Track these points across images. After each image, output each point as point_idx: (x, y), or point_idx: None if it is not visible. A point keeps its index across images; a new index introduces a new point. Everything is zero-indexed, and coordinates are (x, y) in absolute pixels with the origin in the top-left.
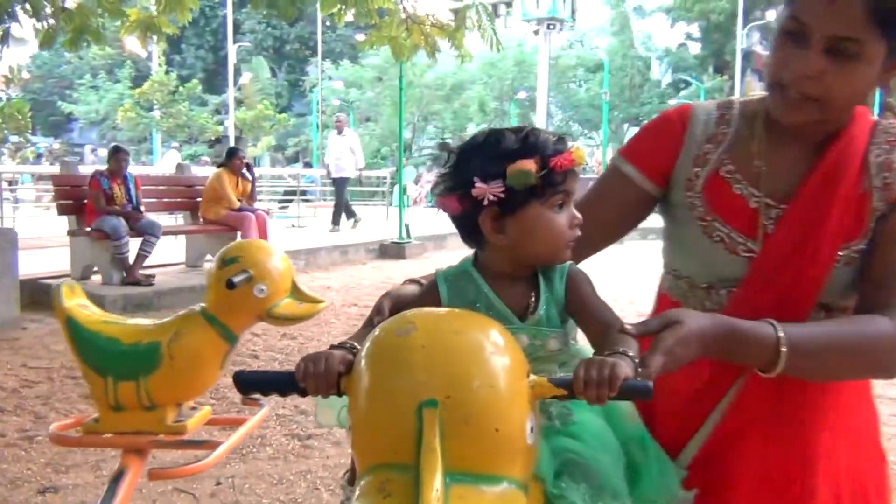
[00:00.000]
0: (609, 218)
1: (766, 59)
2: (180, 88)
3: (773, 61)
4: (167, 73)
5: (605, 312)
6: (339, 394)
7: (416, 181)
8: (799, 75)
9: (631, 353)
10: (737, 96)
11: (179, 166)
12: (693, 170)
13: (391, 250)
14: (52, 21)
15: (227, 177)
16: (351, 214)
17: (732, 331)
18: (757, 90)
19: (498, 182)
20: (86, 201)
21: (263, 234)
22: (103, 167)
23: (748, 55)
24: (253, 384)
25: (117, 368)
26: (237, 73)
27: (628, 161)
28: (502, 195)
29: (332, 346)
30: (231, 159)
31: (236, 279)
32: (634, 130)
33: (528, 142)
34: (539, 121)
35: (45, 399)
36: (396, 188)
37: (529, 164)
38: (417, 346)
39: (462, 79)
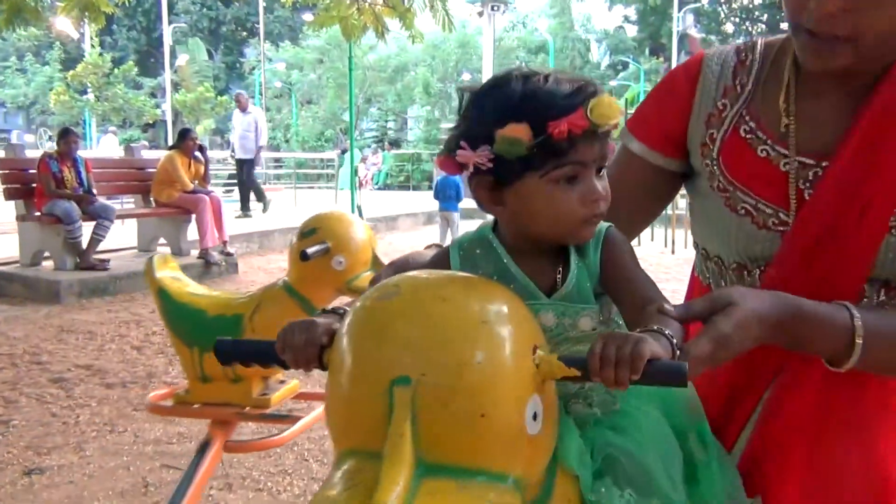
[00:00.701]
0: (627, 204)
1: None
2: (115, 71)
3: (789, 0)
4: (101, 54)
5: (644, 286)
6: (323, 368)
7: (362, 162)
8: (821, 14)
9: (667, 332)
10: (758, 40)
11: (129, 148)
12: (707, 132)
13: None
14: None
15: (179, 159)
16: (261, 197)
17: (800, 313)
18: None
19: (485, 148)
20: (34, 185)
21: (218, 216)
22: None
23: (683, 38)
24: (233, 354)
25: (202, 340)
26: (173, 54)
27: (633, 135)
28: (490, 164)
29: (324, 311)
30: (183, 141)
31: (310, 251)
32: None
33: (524, 98)
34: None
35: (12, 385)
36: (342, 170)
37: (519, 131)
38: (396, 313)
39: (405, 60)
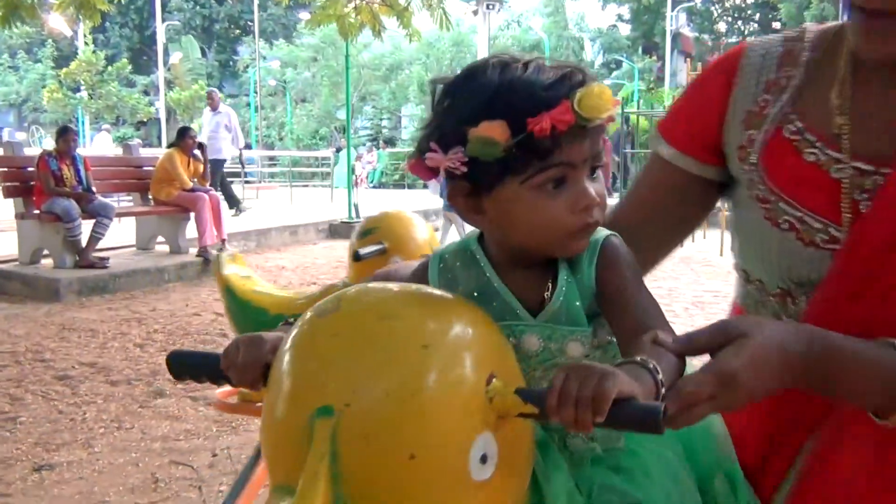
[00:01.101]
0: (659, 216)
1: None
2: (109, 68)
3: None
4: (94, 52)
5: (642, 309)
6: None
7: (357, 161)
8: None
9: (651, 366)
10: (809, 26)
11: (127, 147)
12: (745, 133)
13: (341, 230)
14: None
15: (178, 157)
16: (233, 202)
17: (832, 351)
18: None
19: (458, 150)
20: (33, 183)
21: (217, 214)
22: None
23: (676, 37)
24: (183, 368)
25: None
26: (166, 52)
27: (664, 138)
28: (465, 168)
29: (286, 322)
30: (182, 139)
31: (363, 251)
32: None
33: (500, 91)
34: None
35: (17, 382)
36: (337, 169)
37: (494, 130)
38: (329, 332)
39: (400, 59)
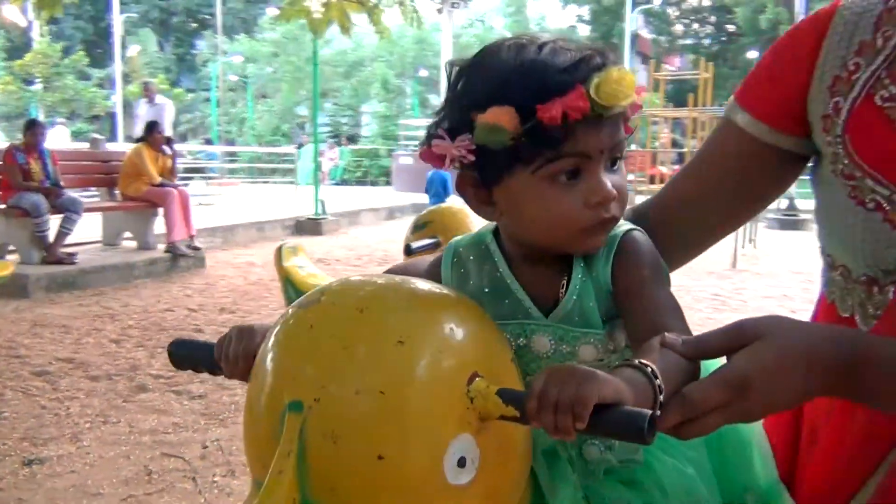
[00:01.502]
0: (726, 189)
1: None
2: (65, 61)
3: None
4: (50, 44)
5: (655, 309)
6: None
7: (319, 158)
8: None
9: (649, 370)
10: None
11: (94, 141)
12: (831, 100)
13: (307, 226)
14: None
15: (146, 152)
16: None
17: (862, 354)
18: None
19: (466, 137)
20: None
21: (186, 210)
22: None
23: (634, 38)
24: (184, 359)
25: None
26: (123, 45)
27: (740, 105)
28: (472, 157)
29: None
30: (151, 134)
31: (415, 245)
32: None
33: (511, 74)
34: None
35: None
36: (299, 164)
37: (502, 116)
38: (307, 325)
39: (361, 56)
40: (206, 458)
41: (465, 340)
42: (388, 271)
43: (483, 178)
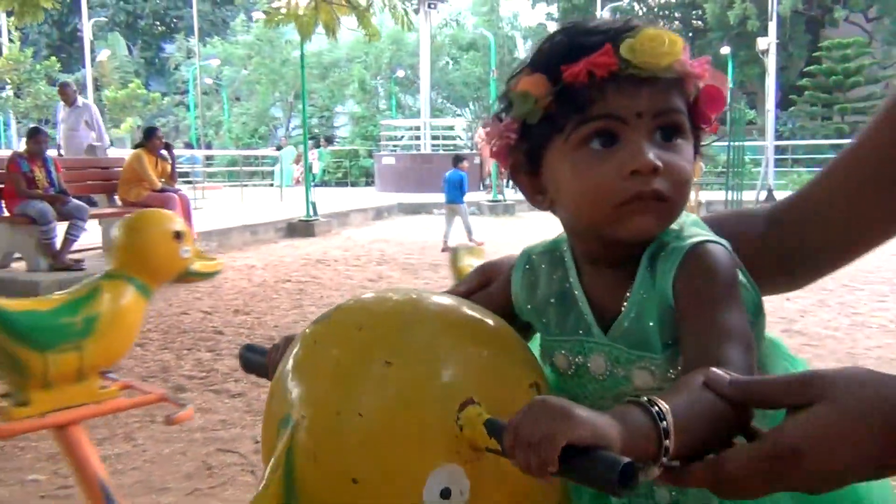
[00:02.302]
0: (886, 178)
1: None
2: (38, 66)
3: None
4: (22, 50)
5: (710, 335)
6: None
7: (297, 160)
8: None
9: (655, 410)
10: None
11: (91, 148)
12: None
13: (299, 228)
14: None
15: (146, 157)
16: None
17: None
18: None
19: (508, 116)
20: (2, 186)
21: (187, 214)
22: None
23: None
24: (250, 364)
25: None
26: (92, 49)
27: None
28: (514, 134)
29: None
30: (150, 139)
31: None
32: None
33: (543, 46)
34: (423, 99)
35: None
36: (279, 167)
37: (530, 83)
38: (311, 341)
39: (337, 57)
40: (260, 453)
41: (465, 364)
42: (479, 266)
43: (530, 161)
